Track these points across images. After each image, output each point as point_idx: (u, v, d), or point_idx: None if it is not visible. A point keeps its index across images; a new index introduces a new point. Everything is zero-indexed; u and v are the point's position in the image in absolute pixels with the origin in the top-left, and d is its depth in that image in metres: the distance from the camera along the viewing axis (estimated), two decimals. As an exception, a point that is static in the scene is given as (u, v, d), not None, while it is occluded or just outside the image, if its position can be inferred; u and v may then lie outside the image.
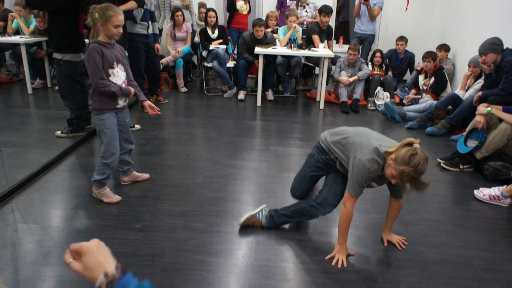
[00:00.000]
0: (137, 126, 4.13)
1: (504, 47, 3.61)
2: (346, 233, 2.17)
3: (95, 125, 2.54)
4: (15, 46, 5.55)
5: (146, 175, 3.04)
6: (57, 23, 3.51)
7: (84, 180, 3.00)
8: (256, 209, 2.45)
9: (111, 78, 2.50)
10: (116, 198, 2.70)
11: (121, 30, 2.47)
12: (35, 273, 1.99)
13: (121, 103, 2.62)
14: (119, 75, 2.54)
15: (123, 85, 2.58)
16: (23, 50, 5.14)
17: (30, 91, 5.34)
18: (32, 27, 5.59)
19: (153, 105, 2.75)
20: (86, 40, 3.83)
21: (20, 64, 5.94)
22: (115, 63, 2.51)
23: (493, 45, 3.60)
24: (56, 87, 4.41)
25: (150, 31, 4.55)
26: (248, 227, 2.42)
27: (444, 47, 5.39)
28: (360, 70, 5.41)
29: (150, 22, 4.52)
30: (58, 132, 3.81)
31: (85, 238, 2.36)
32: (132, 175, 2.95)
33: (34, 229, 2.36)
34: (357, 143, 2.11)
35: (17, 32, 5.65)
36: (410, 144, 1.92)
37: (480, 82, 4.25)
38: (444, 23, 6.24)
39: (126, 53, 3.87)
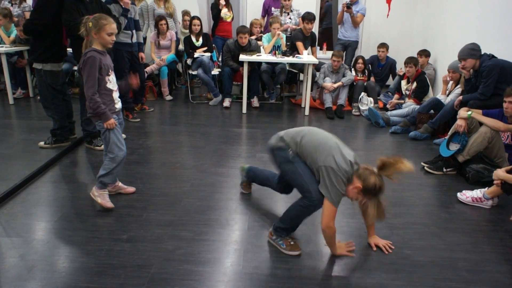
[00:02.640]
0: (122, 135, 4.08)
1: (482, 53, 3.71)
2: (334, 242, 2.26)
3: (98, 128, 2.62)
4: (-5, 55, 5.46)
5: (131, 189, 2.97)
6: (42, 38, 3.47)
7: (68, 192, 2.96)
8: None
9: (108, 85, 2.57)
10: (110, 204, 2.69)
11: (114, 38, 2.55)
12: (19, 288, 1.95)
13: (118, 106, 2.68)
14: (113, 82, 2.63)
15: (116, 94, 2.66)
16: (3, 60, 5.05)
17: (11, 101, 5.26)
18: (13, 36, 5.50)
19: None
20: (69, 50, 3.81)
21: (0, 74, 5.84)
22: (110, 70, 2.59)
23: (471, 51, 3.69)
24: (38, 97, 4.35)
25: (134, 40, 4.53)
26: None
27: (425, 53, 5.51)
28: (344, 76, 5.48)
29: (134, 31, 4.51)
30: (42, 143, 3.75)
31: (71, 250, 2.34)
32: (115, 185, 2.91)
33: (18, 242, 2.31)
34: (323, 149, 2.14)
35: (-3, 41, 5.56)
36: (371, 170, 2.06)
37: (461, 87, 4.35)
38: (425, 30, 6.38)
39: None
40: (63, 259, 2.18)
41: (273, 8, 6.32)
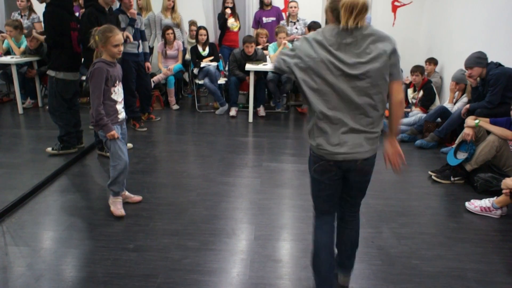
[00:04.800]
0: (129, 145, 4.12)
1: (489, 61, 3.70)
2: None
3: (101, 137, 2.68)
4: (5, 66, 5.55)
5: (137, 198, 2.99)
6: (55, 46, 3.54)
7: (76, 201, 2.98)
8: None
9: (112, 96, 2.61)
10: (120, 212, 2.73)
11: (121, 48, 2.60)
12: (26, 297, 1.96)
13: (121, 116, 2.72)
14: (119, 93, 2.68)
15: (121, 105, 2.69)
16: (13, 71, 5.13)
17: (20, 111, 5.32)
18: (23, 47, 5.59)
19: None
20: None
21: (10, 84, 5.93)
22: (117, 81, 2.64)
23: (478, 59, 3.69)
24: (47, 107, 4.41)
25: (141, 50, 4.59)
26: None
27: (432, 61, 5.50)
28: (350, 84, 5.48)
29: (140, 41, 4.57)
30: (49, 149, 3.80)
31: (78, 259, 2.34)
32: (122, 194, 2.91)
33: (26, 251, 2.33)
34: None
35: (8, 52, 5.65)
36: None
37: (467, 96, 4.33)
38: (431, 38, 6.37)
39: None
40: (70, 268, 2.19)
41: (264, 18, 6.34)
